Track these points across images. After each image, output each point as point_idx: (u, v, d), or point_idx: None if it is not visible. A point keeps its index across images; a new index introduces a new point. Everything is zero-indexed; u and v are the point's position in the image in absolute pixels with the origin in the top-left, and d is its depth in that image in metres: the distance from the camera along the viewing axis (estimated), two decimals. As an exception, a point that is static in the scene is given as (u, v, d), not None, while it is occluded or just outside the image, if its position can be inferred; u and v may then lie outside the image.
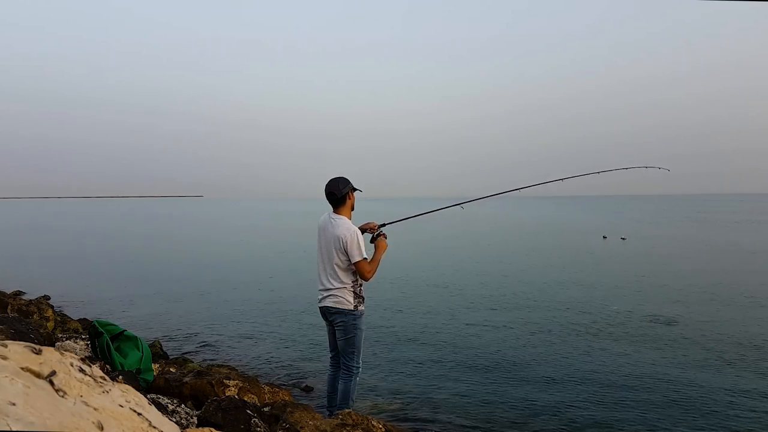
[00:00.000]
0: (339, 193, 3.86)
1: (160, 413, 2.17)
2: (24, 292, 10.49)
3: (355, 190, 3.99)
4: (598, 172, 5.80)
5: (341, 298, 3.83)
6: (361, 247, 3.77)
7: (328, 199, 3.90)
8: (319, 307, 3.96)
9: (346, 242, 3.74)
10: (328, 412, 4.03)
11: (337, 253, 3.79)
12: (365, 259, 3.79)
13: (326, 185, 3.89)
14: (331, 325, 3.97)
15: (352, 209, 4.00)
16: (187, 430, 2.62)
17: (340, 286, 3.82)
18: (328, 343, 4.13)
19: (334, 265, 3.81)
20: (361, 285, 3.92)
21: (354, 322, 3.87)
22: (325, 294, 3.88)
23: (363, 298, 3.93)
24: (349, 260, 3.78)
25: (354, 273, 3.86)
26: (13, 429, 1.38)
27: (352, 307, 3.84)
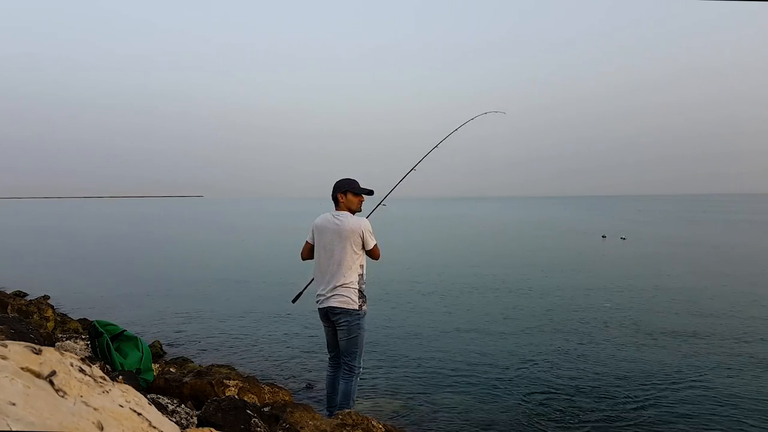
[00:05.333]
0: (331, 195, 4.03)
1: (160, 413, 2.17)
2: (24, 292, 10.49)
3: (357, 194, 4.01)
4: (449, 133, 5.57)
5: (347, 298, 3.83)
6: (373, 234, 3.95)
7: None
8: (321, 308, 3.95)
9: (363, 231, 3.86)
10: (327, 413, 4.04)
11: (352, 247, 3.83)
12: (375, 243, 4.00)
13: None
14: (332, 325, 3.97)
15: (352, 212, 4.01)
16: (187, 430, 2.62)
17: (346, 284, 3.83)
18: (326, 343, 4.14)
19: (347, 260, 3.83)
20: (365, 283, 3.95)
21: (358, 322, 3.88)
22: (329, 294, 3.87)
23: (366, 298, 3.95)
24: (363, 250, 3.90)
25: (359, 269, 3.90)
26: (13, 429, 1.38)
27: (356, 307, 3.86)
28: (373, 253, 3.99)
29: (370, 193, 4.14)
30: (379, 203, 4.78)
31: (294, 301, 4.51)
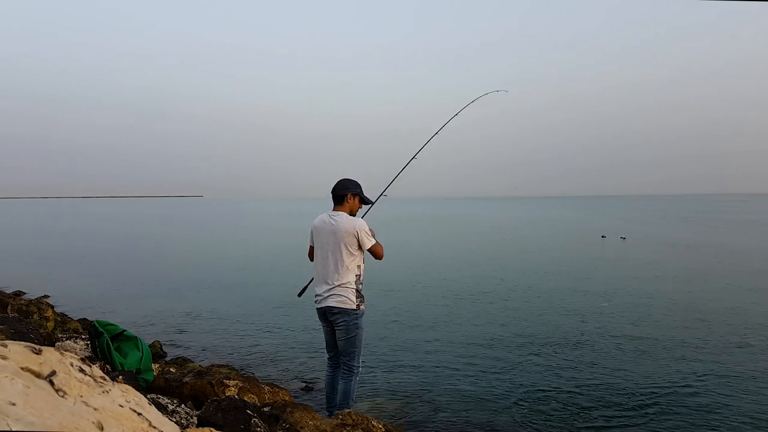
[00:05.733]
0: (339, 191, 3.96)
1: (160, 413, 2.17)
2: (24, 292, 10.49)
3: (363, 200, 4.05)
4: (454, 116, 5.67)
5: (344, 298, 3.84)
6: (370, 233, 3.91)
7: (332, 194, 4.03)
8: (319, 308, 3.96)
9: (358, 232, 3.84)
10: (327, 413, 4.04)
11: (347, 248, 3.83)
12: (377, 242, 3.94)
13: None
14: (330, 325, 3.98)
15: (351, 214, 4.01)
16: (187, 430, 2.62)
17: (344, 284, 3.84)
18: (325, 343, 4.15)
19: (344, 260, 3.83)
20: (362, 283, 3.96)
21: (356, 322, 3.88)
22: (327, 294, 3.88)
23: (363, 297, 3.96)
24: (360, 251, 3.87)
25: (356, 269, 3.90)
26: (13, 429, 1.38)
27: (354, 307, 3.86)
28: (374, 253, 3.96)
29: (371, 203, 4.24)
30: (381, 194, 4.82)
31: (300, 294, 4.51)
